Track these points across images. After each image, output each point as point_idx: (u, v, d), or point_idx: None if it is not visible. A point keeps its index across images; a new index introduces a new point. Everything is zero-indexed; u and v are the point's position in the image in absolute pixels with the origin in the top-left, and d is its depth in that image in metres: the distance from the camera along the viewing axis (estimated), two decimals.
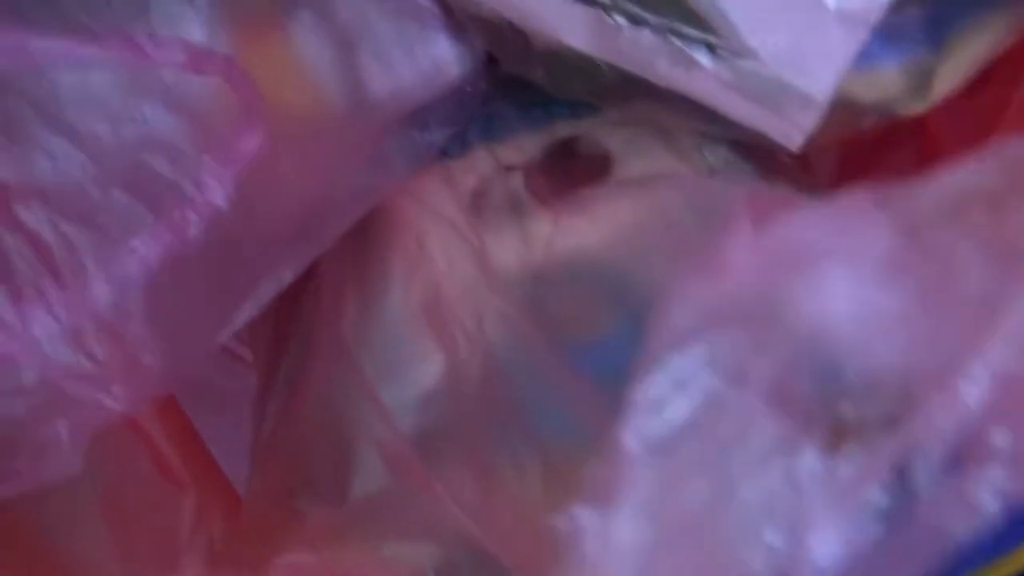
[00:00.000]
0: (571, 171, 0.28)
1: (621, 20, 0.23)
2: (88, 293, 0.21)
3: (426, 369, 0.24)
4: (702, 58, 0.23)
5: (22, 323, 0.20)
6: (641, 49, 0.23)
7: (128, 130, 0.23)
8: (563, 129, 0.29)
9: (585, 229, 0.25)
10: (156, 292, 0.22)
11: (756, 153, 0.26)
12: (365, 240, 0.28)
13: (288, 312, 0.30)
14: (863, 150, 0.29)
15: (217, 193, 0.23)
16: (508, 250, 0.25)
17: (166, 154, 0.23)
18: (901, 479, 0.12)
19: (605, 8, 0.23)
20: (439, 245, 0.26)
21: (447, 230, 0.26)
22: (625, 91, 0.26)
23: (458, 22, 0.29)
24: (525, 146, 0.29)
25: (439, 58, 0.28)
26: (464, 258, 0.25)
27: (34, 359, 0.20)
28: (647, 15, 0.23)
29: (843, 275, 0.12)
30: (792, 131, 0.23)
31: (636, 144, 0.28)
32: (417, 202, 0.28)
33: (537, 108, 0.30)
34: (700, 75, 0.23)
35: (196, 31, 0.24)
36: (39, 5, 0.23)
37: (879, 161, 0.31)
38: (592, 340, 0.23)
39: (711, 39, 0.22)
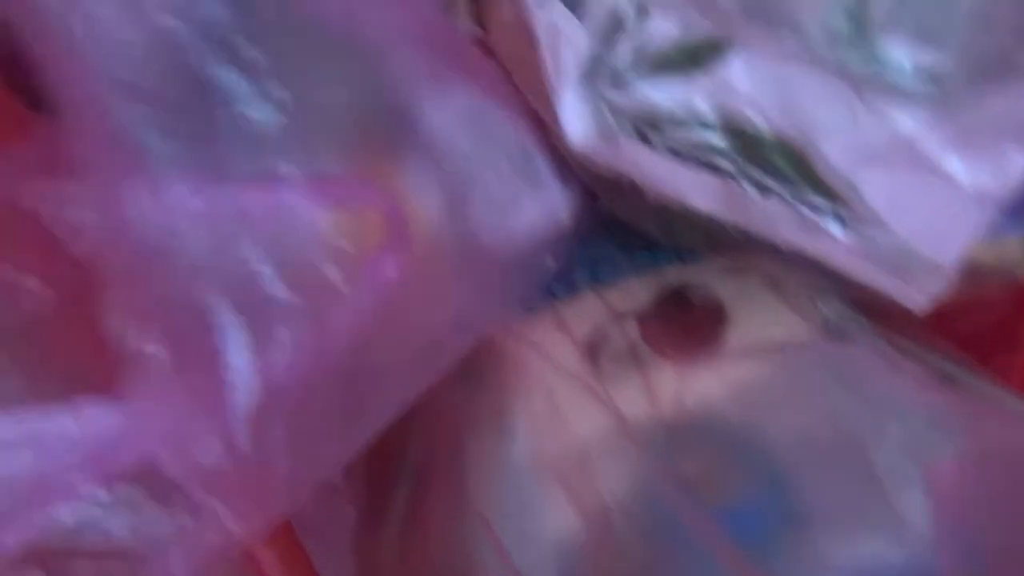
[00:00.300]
0: (686, 320, 0.28)
1: (749, 188, 0.24)
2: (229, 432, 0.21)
3: (560, 526, 0.24)
4: (831, 226, 0.23)
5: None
6: (768, 215, 0.24)
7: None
8: (672, 275, 0.30)
9: (714, 386, 0.25)
10: (292, 422, 0.23)
11: (868, 305, 0.27)
12: (480, 385, 0.29)
13: (387, 446, 0.31)
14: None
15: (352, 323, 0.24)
16: (634, 403, 0.26)
17: (307, 283, 0.24)
18: None
19: (734, 176, 0.24)
20: (566, 398, 0.26)
21: (571, 382, 0.27)
22: (741, 245, 0.27)
23: (566, 167, 0.30)
24: (635, 291, 0.30)
25: (548, 203, 0.29)
26: (594, 413, 0.25)
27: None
28: (777, 186, 0.23)
29: None
30: (919, 296, 0.24)
31: (749, 294, 0.28)
32: (535, 350, 0.28)
33: (642, 251, 0.31)
34: (827, 241, 0.24)
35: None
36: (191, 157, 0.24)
37: (973, 307, 0.32)
38: (730, 502, 0.23)
39: (841, 211, 0.23)
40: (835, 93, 0.21)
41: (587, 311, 0.29)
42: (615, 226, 0.32)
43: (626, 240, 0.31)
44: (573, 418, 0.25)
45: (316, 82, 0.23)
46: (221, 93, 0.21)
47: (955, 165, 0.21)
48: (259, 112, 0.22)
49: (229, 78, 0.20)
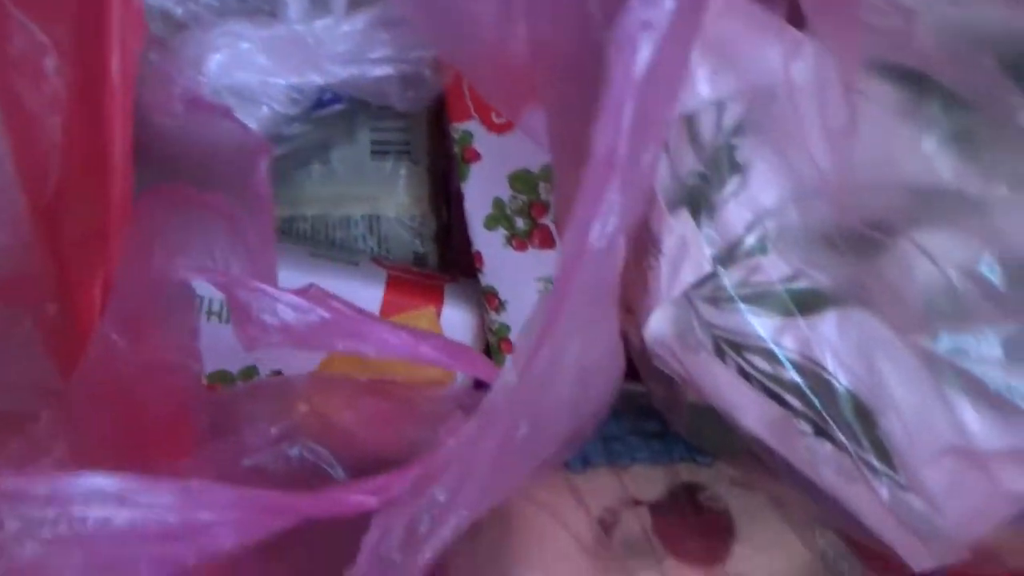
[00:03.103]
0: (695, 522, 0.29)
1: (807, 427, 0.26)
2: None
3: None
4: (876, 482, 0.25)
5: None
6: (815, 454, 0.26)
7: None
8: (684, 473, 0.31)
9: None
10: None
11: (860, 545, 0.29)
12: (486, 543, 0.28)
13: None
14: None
15: None
16: None
17: None
18: None
19: (795, 413, 0.26)
20: (582, 570, 0.26)
21: (588, 556, 0.27)
22: (762, 464, 0.28)
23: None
24: (649, 480, 0.30)
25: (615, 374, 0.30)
26: None
27: None
28: (839, 434, 0.25)
29: None
30: (925, 559, 0.26)
31: (754, 510, 0.30)
32: (550, 515, 0.28)
33: (656, 441, 0.32)
34: (860, 490, 0.26)
35: None
36: None
37: None
38: None
39: (890, 472, 0.25)
40: (918, 378, 0.23)
41: (602, 488, 0.30)
42: (632, 409, 0.33)
43: (642, 426, 0.32)
44: None
45: None
46: None
47: (1006, 470, 0.23)
48: None
49: None
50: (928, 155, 0.20)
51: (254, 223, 0.22)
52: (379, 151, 0.34)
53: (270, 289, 0.21)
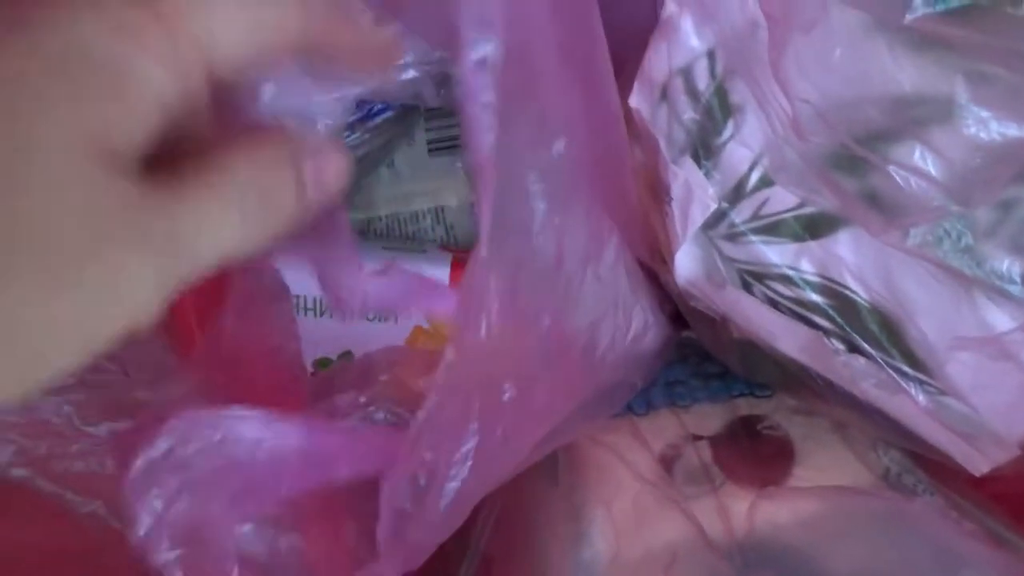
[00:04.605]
0: (755, 450, 0.31)
1: (839, 345, 0.27)
2: None
3: None
4: (912, 391, 0.26)
5: None
6: (852, 370, 0.27)
7: None
8: (743, 407, 0.33)
9: (781, 515, 0.28)
10: None
11: (925, 460, 0.30)
12: (559, 483, 0.31)
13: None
14: None
15: None
16: (709, 518, 0.28)
17: None
18: None
19: (826, 332, 0.27)
20: (648, 504, 0.28)
21: (652, 489, 0.29)
22: (814, 389, 0.29)
23: (665, 297, 0.33)
24: (708, 416, 0.32)
25: (639, 327, 0.32)
26: (677, 521, 0.28)
27: None
28: (868, 347, 0.26)
29: None
30: (981, 462, 0.26)
31: (815, 435, 0.31)
32: (615, 455, 0.31)
33: (716, 380, 0.34)
34: (905, 401, 0.27)
35: None
36: None
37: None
38: None
39: (924, 378, 0.26)
40: (938, 282, 0.24)
41: (663, 428, 0.32)
42: (693, 355, 0.34)
43: (702, 369, 0.34)
44: (656, 524, 0.28)
45: None
46: None
47: None
48: None
49: None
50: (892, 64, 0.21)
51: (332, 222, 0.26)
52: (436, 148, 0.38)
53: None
